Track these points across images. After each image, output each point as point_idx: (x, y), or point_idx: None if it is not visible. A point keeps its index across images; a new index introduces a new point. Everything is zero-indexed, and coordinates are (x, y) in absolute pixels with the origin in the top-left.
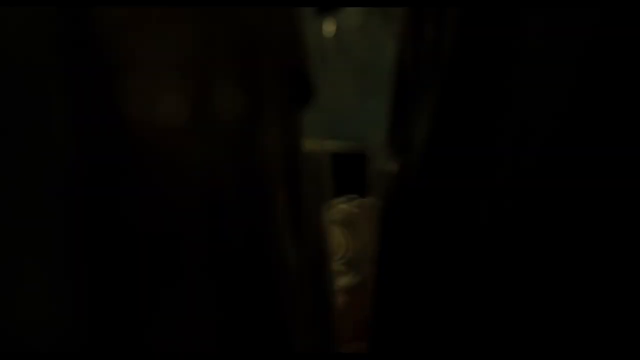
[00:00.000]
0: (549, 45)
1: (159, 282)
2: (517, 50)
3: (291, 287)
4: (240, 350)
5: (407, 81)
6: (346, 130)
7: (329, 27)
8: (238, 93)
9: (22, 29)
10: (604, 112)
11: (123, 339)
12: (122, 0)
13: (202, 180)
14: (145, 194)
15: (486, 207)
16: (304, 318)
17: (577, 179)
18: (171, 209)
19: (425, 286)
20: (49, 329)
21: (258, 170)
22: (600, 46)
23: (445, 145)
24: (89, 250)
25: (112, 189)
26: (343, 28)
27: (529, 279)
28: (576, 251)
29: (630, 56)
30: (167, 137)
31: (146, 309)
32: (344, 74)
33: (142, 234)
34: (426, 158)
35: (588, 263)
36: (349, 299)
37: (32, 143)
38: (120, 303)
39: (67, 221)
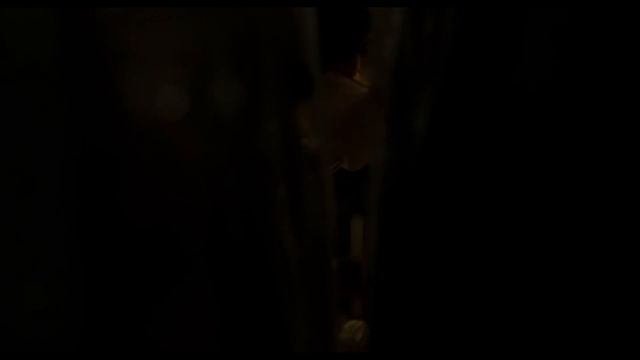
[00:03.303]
0: (552, 36)
1: (159, 277)
2: (519, 43)
3: (291, 283)
4: (240, 347)
5: (407, 71)
6: None
7: None
8: (237, 86)
9: (19, 20)
10: (606, 105)
11: (123, 335)
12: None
13: (201, 174)
14: (144, 188)
15: (487, 198)
16: (305, 314)
17: (576, 171)
18: (170, 204)
19: (425, 278)
20: (47, 327)
21: (258, 164)
22: (601, 37)
23: (446, 135)
24: (87, 246)
25: (110, 183)
26: None
27: (530, 271)
28: (576, 246)
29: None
30: (166, 131)
31: (146, 304)
32: None
33: (140, 229)
34: (426, 148)
35: (588, 259)
36: None
37: (28, 138)
38: (120, 298)
39: (66, 216)
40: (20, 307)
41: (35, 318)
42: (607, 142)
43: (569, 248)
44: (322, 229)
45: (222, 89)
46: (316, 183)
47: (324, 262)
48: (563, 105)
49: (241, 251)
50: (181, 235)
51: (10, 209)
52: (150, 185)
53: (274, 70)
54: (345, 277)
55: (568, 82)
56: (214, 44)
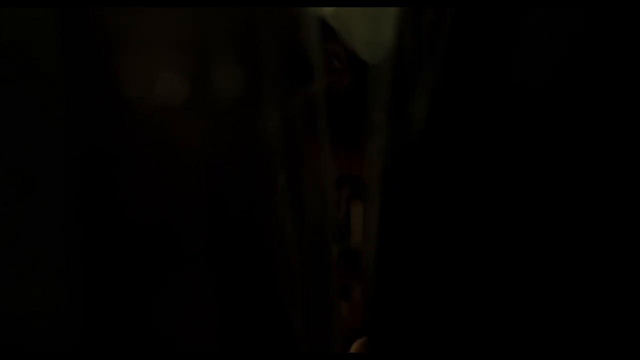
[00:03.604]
0: (549, 24)
1: (159, 274)
2: (517, 31)
3: (292, 269)
4: (240, 336)
5: (407, 61)
6: None
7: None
8: (237, 72)
9: (19, 20)
10: (604, 95)
11: (122, 334)
12: None
13: (201, 162)
14: (145, 182)
15: (485, 184)
16: (305, 300)
17: (573, 162)
18: (171, 195)
19: (424, 264)
20: (47, 326)
21: (258, 151)
22: (603, 24)
23: (445, 124)
24: (87, 246)
25: (110, 181)
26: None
27: (528, 265)
28: (570, 238)
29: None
30: (166, 119)
31: (146, 302)
32: None
33: (141, 226)
34: (425, 136)
35: (582, 253)
36: None
37: (28, 138)
38: (120, 297)
39: (66, 216)
40: (20, 307)
41: (35, 318)
42: (604, 133)
43: (561, 240)
44: (322, 216)
45: (222, 76)
46: (316, 170)
47: (324, 249)
48: (562, 102)
49: (242, 239)
50: (182, 226)
51: (10, 209)
52: (151, 177)
53: (274, 57)
54: (345, 263)
55: (567, 80)
56: (213, 30)
